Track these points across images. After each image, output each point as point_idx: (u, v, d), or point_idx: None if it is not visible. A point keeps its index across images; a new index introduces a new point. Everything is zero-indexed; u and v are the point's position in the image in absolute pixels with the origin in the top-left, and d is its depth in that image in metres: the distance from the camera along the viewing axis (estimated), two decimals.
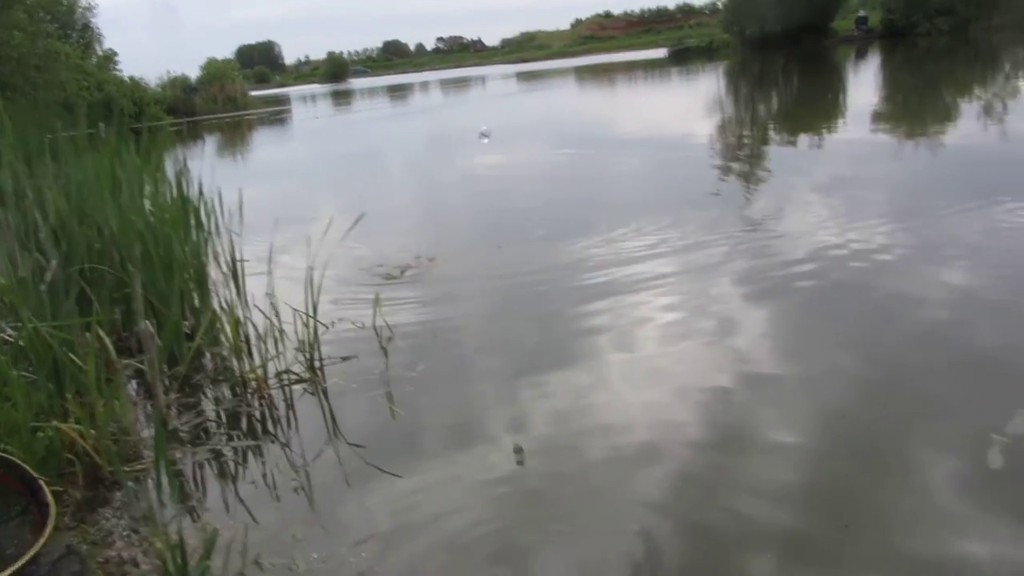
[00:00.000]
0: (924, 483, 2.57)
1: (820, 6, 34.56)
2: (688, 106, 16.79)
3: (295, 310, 3.99)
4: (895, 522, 2.40)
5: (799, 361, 3.57)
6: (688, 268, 4.99)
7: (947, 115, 11.47)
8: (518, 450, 2.97)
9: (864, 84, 18.70)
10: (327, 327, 4.45)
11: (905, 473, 2.64)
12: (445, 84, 45.33)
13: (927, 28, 29.22)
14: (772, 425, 3.01)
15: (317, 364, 3.94)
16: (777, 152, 9.70)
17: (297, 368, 3.94)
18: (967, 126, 10.02)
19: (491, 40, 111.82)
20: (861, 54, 27.88)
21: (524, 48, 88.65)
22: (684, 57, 37.75)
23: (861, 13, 34.91)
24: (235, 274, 4.64)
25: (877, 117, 12.10)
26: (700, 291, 4.54)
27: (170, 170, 5.31)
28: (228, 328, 4.04)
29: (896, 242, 5.04)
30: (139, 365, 3.83)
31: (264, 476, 3.08)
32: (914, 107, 13.56)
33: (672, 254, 5.30)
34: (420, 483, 2.89)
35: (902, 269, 4.56)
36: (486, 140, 11.63)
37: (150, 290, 4.13)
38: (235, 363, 3.96)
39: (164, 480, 3.00)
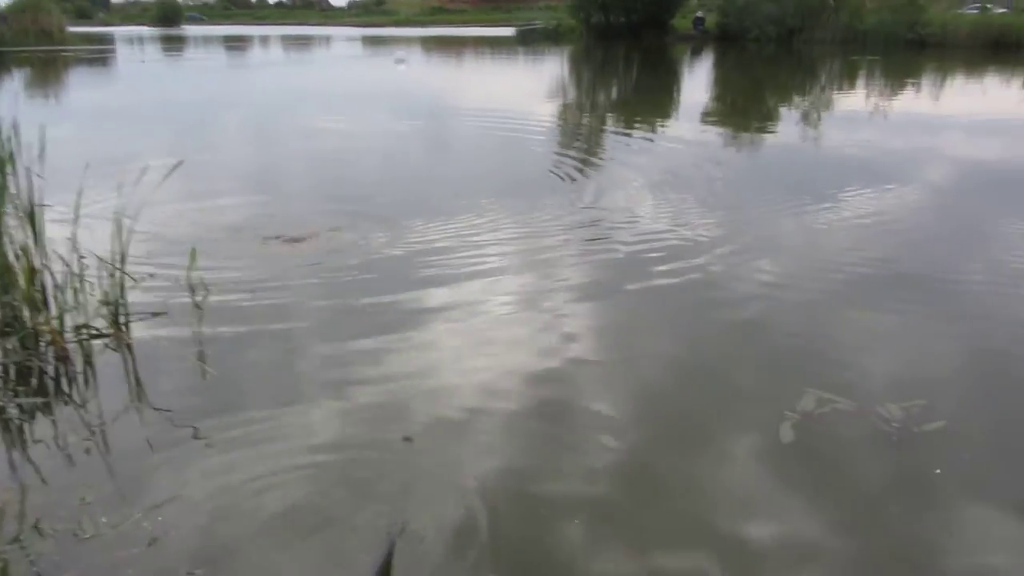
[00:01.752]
0: (726, 455, 2.75)
1: (663, 2, 36.01)
2: (533, 87, 16.99)
3: (101, 260, 3.69)
4: (698, 491, 2.55)
5: (619, 347, 3.68)
6: (522, 251, 5.00)
7: (769, 117, 12.28)
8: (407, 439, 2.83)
9: (697, 81, 19.68)
10: (136, 281, 4.16)
11: (710, 447, 2.81)
12: (287, 40, 43.45)
13: (757, 34, 31.08)
14: (593, 401, 3.10)
15: (122, 319, 3.67)
16: (613, 140, 10.01)
17: (99, 323, 3.66)
18: (786, 129, 10.77)
19: (338, 0, 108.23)
20: (696, 52, 29.27)
21: (372, 12, 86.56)
22: (531, 38, 38.09)
23: (699, 14, 36.62)
24: (32, 218, 4.23)
25: (707, 114, 12.77)
26: (533, 277, 4.55)
27: None
28: (21, 275, 3.67)
29: (716, 235, 5.29)
30: None
31: (55, 437, 2.83)
32: (741, 107, 14.42)
33: (507, 239, 5.26)
34: (228, 447, 2.76)
35: (719, 260, 4.78)
36: (403, 66, 11.08)
37: None
38: (26, 313, 3.61)
39: None
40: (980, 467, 2.70)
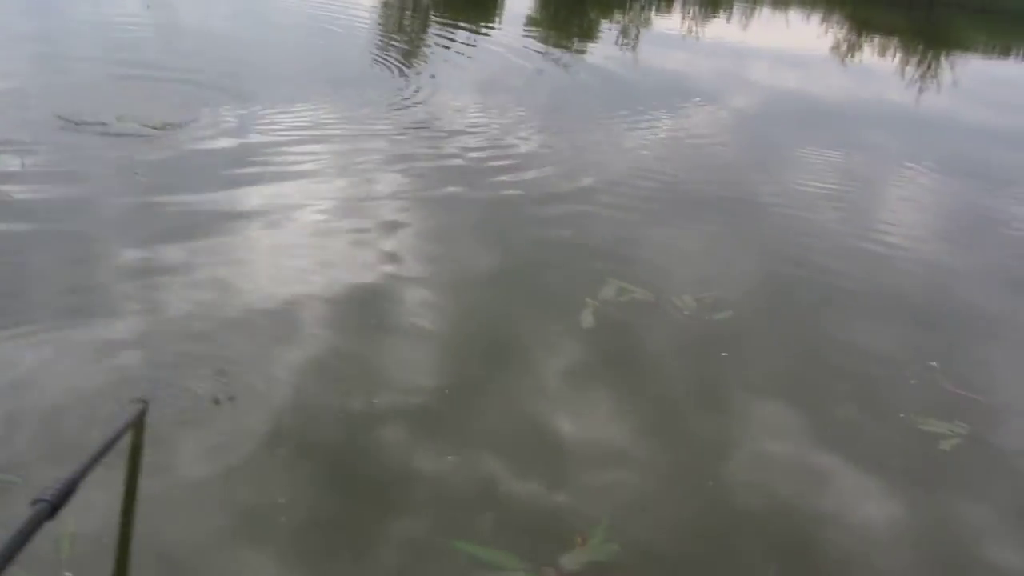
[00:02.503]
0: (533, 345, 2.82)
1: None
2: None
3: None
4: (511, 392, 2.61)
5: (435, 255, 3.57)
6: (342, 152, 4.74)
7: (590, 31, 12.44)
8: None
9: None
10: None
11: (519, 339, 2.88)
12: None
13: None
14: (409, 313, 3.03)
15: None
16: (435, 42, 9.74)
17: None
18: (606, 45, 10.96)
19: None
20: None
21: None
22: None
23: None
24: None
25: (531, 22, 12.71)
26: (353, 180, 4.31)
27: None
28: None
29: (535, 147, 5.31)
30: None
31: None
32: (563, 18, 14.47)
33: (328, 138, 4.96)
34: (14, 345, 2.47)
35: (537, 171, 4.79)
36: None
37: None
38: None
39: None
40: (761, 351, 2.96)
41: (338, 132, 5.07)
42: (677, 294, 3.22)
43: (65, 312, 2.63)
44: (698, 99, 7.32)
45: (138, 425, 1.94)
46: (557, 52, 9.89)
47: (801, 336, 3.15)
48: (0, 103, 4.69)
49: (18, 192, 3.52)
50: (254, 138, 4.67)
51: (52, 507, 1.32)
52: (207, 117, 4.84)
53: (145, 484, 1.93)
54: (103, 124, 4.42)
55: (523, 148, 5.17)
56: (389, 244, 3.54)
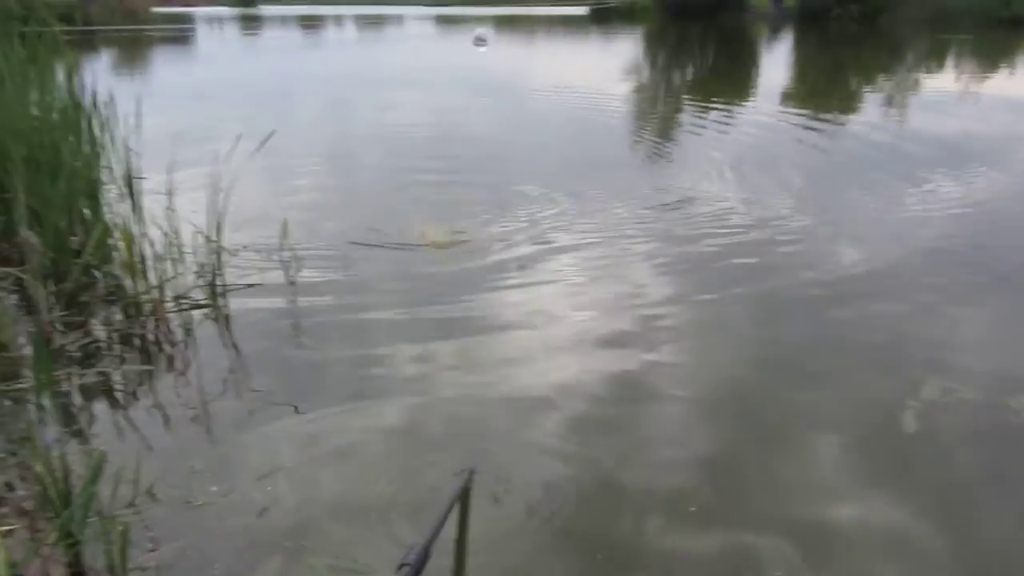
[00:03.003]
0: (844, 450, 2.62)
1: None
2: (609, 68, 16.73)
3: (196, 229, 3.74)
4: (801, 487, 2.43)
5: (709, 346, 3.51)
6: (602, 243, 4.73)
7: (853, 99, 11.83)
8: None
9: (777, 61, 19.12)
10: (232, 253, 4.21)
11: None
12: (360, 20, 43.77)
13: (839, 13, 30.05)
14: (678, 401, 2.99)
15: (219, 289, 3.71)
16: (690, 121, 9.75)
17: (196, 293, 3.71)
18: (870, 112, 10.35)
19: None
20: (775, 32, 28.48)
21: None
22: (604, 17, 37.66)
23: None
24: (131, 189, 4.33)
25: (788, 96, 12.35)
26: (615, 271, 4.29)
27: (60, 77, 4.83)
28: (122, 245, 3.73)
29: (806, 224, 5.06)
30: (20, 274, 3.51)
31: (158, 404, 2.86)
32: (823, 89, 13.92)
33: (587, 229, 4.99)
34: (322, 418, 2.76)
35: (811, 251, 4.56)
36: (484, 48, 10.72)
37: (34, 196, 3.76)
38: (128, 283, 3.67)
39: (45, 401, 2.75)
40: None
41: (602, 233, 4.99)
42: (1009, 393, 2.84)
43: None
44: (981, 167, 6.63)
45: (466, 492, 2.01)
46: (819, 124, 9.45)
47: None
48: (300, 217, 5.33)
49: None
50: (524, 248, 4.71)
51: (415, 572, 1.44)
52: (490, 226, 5.13)
53: None
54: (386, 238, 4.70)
55: (793, 228, 4.90)
56: (655, 333, 3.48)
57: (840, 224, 5.08)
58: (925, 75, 15.43)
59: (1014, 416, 2.74)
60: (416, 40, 27.63)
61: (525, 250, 4.48)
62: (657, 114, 10.42)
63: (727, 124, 9.40)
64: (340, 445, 2.60)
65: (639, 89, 13.14)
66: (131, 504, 2.24)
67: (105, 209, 4.33)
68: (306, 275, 4.07)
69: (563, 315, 3.67)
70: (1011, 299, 3.91)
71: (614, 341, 3.39)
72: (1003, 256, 4.51)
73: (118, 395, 2.94)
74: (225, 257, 3.95)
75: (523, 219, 5.05)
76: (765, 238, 4.72)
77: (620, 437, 2.67)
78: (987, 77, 14.85)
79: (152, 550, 2.08)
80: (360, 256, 4.38)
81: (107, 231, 3.98)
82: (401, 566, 1.46)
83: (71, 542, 1.96)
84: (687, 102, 11.55)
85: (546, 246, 4.55)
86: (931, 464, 2.53)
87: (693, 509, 2.28)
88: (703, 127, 9.11)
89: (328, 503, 2.31)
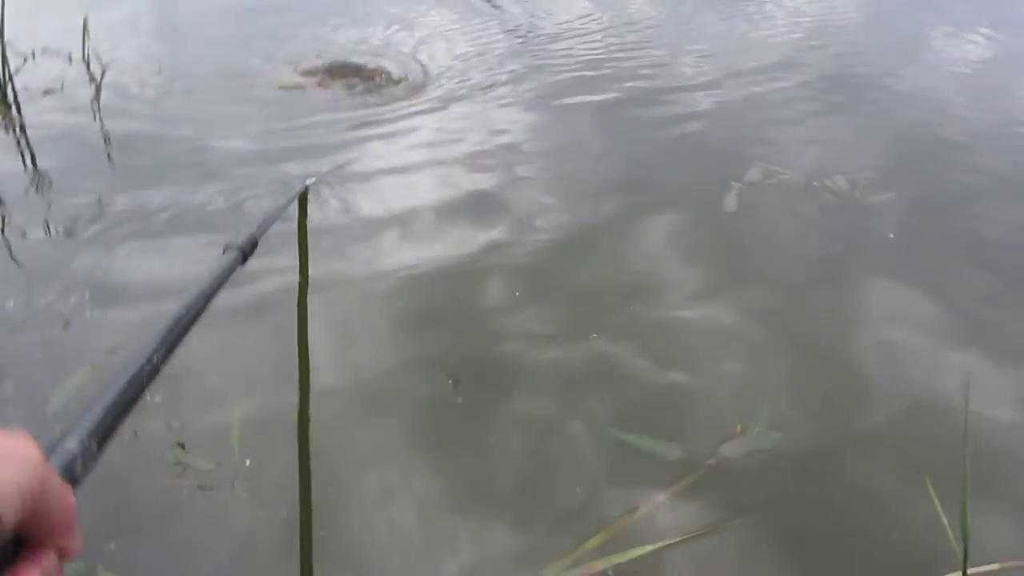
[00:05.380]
0: (672, 223, 2.67)
1: None
2: None
3: None
4: (634, 256, 2.48)
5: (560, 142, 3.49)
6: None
7: None
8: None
9: None
10: (24, 59, 3.73)
11: (657, 216, 2.73)
12: None
13: None
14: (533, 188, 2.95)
15: (11, 97, 3.29)
16: None
17: None
18: None
19: None
20: None
21: None
22: None
23: None
24: None
25: None
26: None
27: None
28: None
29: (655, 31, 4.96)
30: None
31: None
32: None
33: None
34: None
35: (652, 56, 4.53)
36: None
37: None
38: None
39: None
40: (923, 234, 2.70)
41: None
42: (828, 175, 2.96)
43: None
44: None
45: (303, 199, 2.45)
46: None
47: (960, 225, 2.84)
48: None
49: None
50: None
51: (243, 255, 1.48)
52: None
53: None
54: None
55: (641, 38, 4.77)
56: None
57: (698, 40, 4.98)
58: None
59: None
60: None
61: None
62: None
63: None
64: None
65: None
66: None
67: None
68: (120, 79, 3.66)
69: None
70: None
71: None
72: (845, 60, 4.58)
73: None
74: (18, 63, 3.52)
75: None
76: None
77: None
78: None
79: None
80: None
81: None
82: (227, 248, 1.47)
83: None
84: None
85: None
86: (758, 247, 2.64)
87: (518, 294, 2.30)
88: None
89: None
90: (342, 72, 3.78)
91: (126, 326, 2.10)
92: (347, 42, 4.26)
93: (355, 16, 4.62)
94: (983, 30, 4.87)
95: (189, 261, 2.40)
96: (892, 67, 4.33)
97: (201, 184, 2.80)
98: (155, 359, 0.94)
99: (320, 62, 3.89)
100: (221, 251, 1.46)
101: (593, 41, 4.38)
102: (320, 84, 3.69)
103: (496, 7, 4.85)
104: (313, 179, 2.60)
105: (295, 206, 2.39)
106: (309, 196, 2.58)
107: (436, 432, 1.86)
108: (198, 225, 2.57)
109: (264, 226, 1.69)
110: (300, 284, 2.29)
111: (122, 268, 2.36)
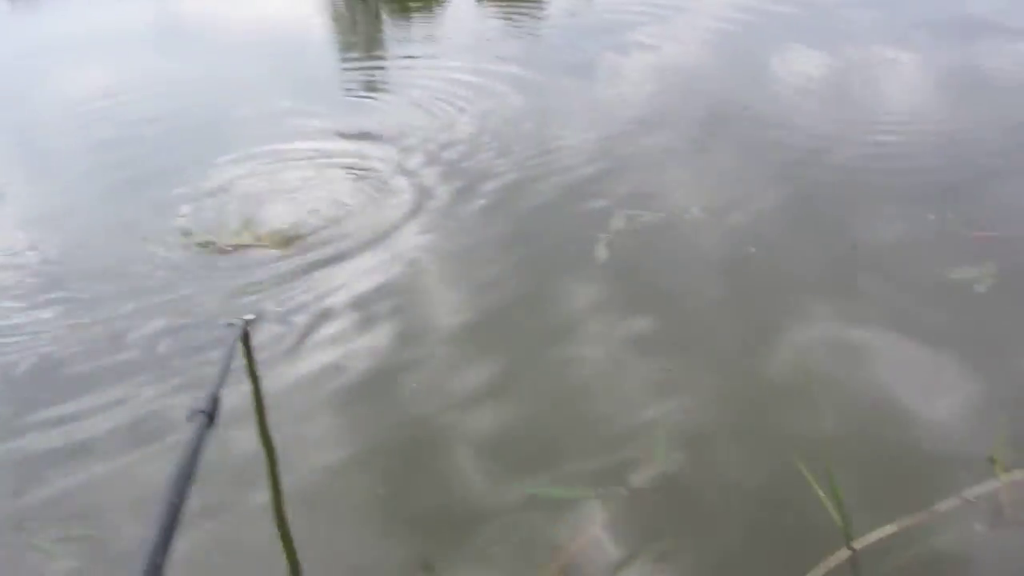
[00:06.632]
0: (553, 285, 2.86)
1: None
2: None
3: None
4: (540, 336, 2.66)
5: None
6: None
7: None
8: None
9: None
10: None
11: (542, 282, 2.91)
12: None
13: None
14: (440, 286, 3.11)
15: None
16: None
17: None
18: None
19: None
20: None
21: None
22: None
23: None
24: None
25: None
26: None
27: None
28: None
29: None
30: None
31: None
32: None
33: None
34: None
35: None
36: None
37: None
38: None
39: None
40: (783, 245, 2.98)
41: None
42: (685, 209, 3.22)
43: None
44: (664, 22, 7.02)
45: (245, 338, 2.42)
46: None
47: (819, 225, 3.12)
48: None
49: None
50: None
51: (209, 417, 1.49)
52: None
53: None
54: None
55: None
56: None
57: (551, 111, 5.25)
58: None
59: None
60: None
61: None
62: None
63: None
64: None
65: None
66: None
67: None
68: None
69: None
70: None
71: None
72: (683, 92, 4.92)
73: None
74: None
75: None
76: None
77: None
78: None
79: None
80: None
81: None
82: (193, 413, 1.47)
83: None
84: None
85: None
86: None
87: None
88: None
89: None
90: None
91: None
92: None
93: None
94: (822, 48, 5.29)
95: None
96: (731, 92, 4.70)
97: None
98: (158, 560, 1.00)
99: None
100: (185, 419, 1.47)
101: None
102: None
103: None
104: (252, 315, 2.62)
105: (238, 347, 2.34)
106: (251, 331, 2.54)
107: None
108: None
109: (220, 381, 1.69)
110: (259, 422, 2.29)
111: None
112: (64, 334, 2.83)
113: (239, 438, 2.22)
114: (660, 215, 3.19)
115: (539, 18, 7.19)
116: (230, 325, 2.43)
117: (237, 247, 3.31)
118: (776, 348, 2.40)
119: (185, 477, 1.22)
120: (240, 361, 2.42)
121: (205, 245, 3.34)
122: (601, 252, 2.98)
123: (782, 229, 3.07)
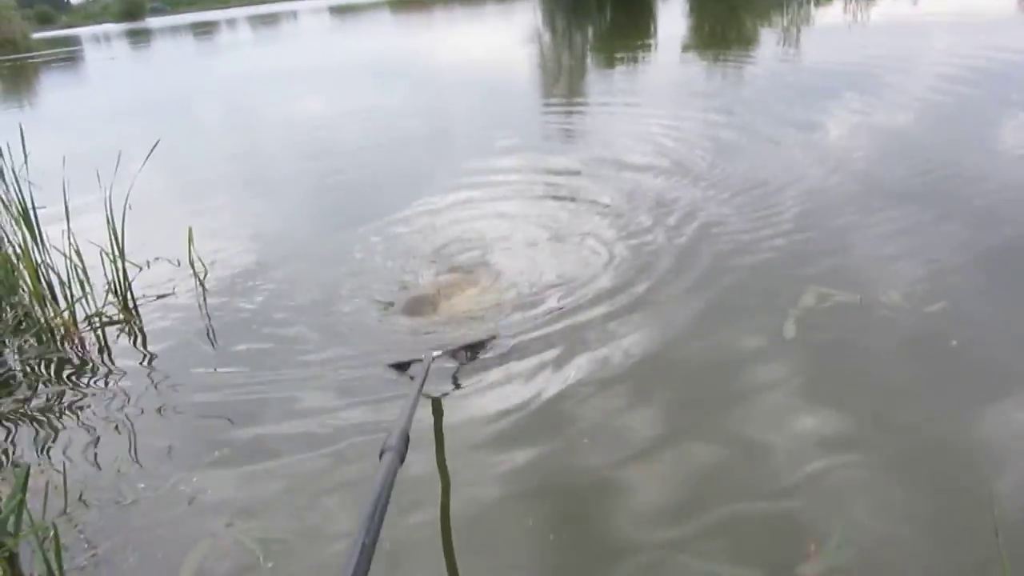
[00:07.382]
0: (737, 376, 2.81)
1: None
2: (510, 38, 16.81)
3: (102, 251, 3.75)
4: (711, 401, 2.62)
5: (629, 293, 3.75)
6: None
7: (750, 40, 12.16)
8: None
9: (673, 13, 19.43)
10: (140, 268, 4.23)
11: (722, 356, 2.87)
12: (253, 20, 42.80)
13: None
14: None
15: (131, 303, 3.74)
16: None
17: (111, 310, 3.72)
18: (765, 51, 10.67)
19: None
20: None
21: None
22: None
23: None
24: (27, 219, 4.27)
25: (687, 46, 12.62)
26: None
27: None
28: (27, 274, 3.71)
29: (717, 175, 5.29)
30: None
31: (80, 421, 2.90)
32: (720, 34, 14.22)
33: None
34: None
35: (720, 202, 4.81)
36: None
37: None
38: (38, 310, 3.67)
39: None
40: (985, 338, 2.76)
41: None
42: (883, 291, 3.08)
43: None
44: (880, 91, 6.88)
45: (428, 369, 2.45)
46: (719, 66, 9.71)
47: None
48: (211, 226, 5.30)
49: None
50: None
51: (400, 455, 1.54)
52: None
53: None
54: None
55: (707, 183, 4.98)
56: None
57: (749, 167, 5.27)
58: (816, 7, 15.93)
59: None
60: (315, 34, 27.21)
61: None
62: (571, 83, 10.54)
63: (632, 75, 9.60)
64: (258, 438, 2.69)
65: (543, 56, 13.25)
66: (64, 512, 2.31)
67: (5, 241, 4.27)
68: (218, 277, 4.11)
69: None
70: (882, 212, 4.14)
71: None
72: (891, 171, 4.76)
73: (39, 418, 2.97)
74: (135, 272, 3.98)
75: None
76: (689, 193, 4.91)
77: None
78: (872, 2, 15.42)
79: (89, 550, 2.15)
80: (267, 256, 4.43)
81: (7, 261, 3.93)
82: (384, 451, 1.52)
83: (4, 552, 2.02)
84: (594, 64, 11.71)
85: None
86: None
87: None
88: (610, 84, 9.27)
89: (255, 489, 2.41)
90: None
91: (243, 500, 2.33)
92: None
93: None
94: None
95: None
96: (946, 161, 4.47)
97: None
98: None
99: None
100: (378, 456, 1.52)
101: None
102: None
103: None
104: (438, 352, 2.61)
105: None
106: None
107: None
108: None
109: (409, 417, 1.71)
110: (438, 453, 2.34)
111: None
112: None
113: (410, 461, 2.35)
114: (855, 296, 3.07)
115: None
116: (416, 362, 2.54)
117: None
118: (970, 455, 2.23)
119: (378, 517, 1.24)
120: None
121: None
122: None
123: (991, 322, 2.86)
